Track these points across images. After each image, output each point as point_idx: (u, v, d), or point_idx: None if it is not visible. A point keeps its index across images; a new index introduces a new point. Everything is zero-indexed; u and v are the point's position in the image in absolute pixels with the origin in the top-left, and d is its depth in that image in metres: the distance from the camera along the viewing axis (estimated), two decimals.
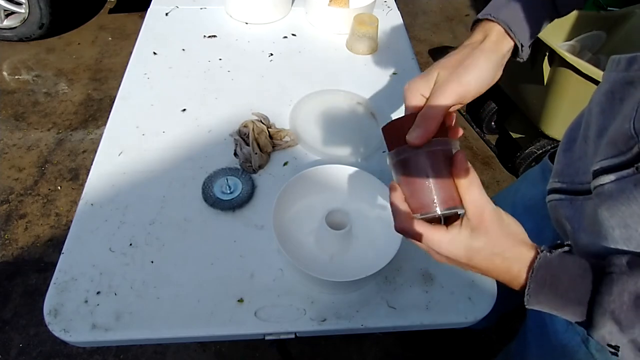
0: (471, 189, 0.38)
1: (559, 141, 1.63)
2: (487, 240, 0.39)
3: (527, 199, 0.74)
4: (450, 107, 0.42)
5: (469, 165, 0.39)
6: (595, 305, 0.34)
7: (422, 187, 0.41)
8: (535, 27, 0.47)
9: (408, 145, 0.41)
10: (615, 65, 0.43)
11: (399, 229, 0.42)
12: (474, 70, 0.43)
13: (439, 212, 0.40)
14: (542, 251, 0.38)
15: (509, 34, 0.45)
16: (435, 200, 0.40)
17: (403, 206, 0.42)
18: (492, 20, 0.46)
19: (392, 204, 0.43)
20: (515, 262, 0.39)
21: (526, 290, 0.39)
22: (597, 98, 0.45)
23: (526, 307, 0.40)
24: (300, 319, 0.62)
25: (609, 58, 0.44)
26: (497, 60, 0.44)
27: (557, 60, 1.45)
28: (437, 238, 0.40)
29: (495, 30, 0.46)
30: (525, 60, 0.50)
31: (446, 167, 0.41)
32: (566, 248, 0.39)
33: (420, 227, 0.41)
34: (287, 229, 0.69)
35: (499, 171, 1.94)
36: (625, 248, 0.37)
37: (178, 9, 1.15)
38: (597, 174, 0.38)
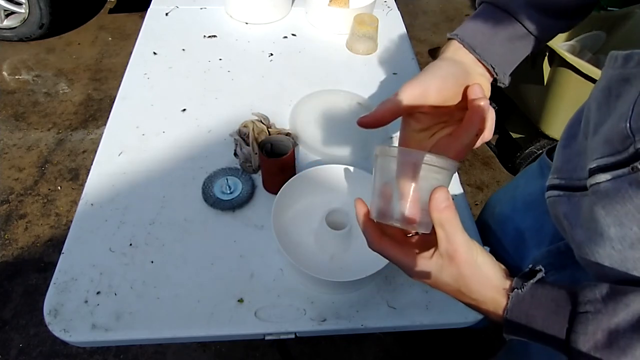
0: (447, 227, 0.37)
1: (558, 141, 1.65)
2: (456, 278, 0.39)
3: (527, 195, 0.74)
4: (405, 105, 0.43)
5: (450, 202, 0.38)
6: (572, 344, 0.35)
7: (392, 196, 0.41)
8: (496, 42, 0.49)
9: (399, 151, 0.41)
10: (612, 62, 0.43)
11: (372, 249, 0.44)
12: (432, 71, 0.45)
13: (399, 226, 0.41)
14: (513, 289, 0.38)
15: (464, 46, 0.48)
16: (399, 214, 0.40)
17: (369, 227, 0.44)
18: (451, 38, 0.50)
19: (359, 222, 0.45)
20: (483, 303, 0.40)
21: (503, 328, 0.39)
22: (595, 94, 0.45)
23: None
24: (300, 319, 0.62)
25: (608, 54, 0.44)
26: (459, 67, 0.46)
27: (557, 60, 1.45)
28: (406, 262, 0.41)
29: (451, 45, 0.49)
30: (506, 85, 0.51)
31: (426, 184, 0.40)
32: (539, 275, 0.38)
33: (390, 249, 0.42)
34: (287, 229, 0.69)
35: (499, 171, 1.94)
36: (619, 246, 0.37)
37: (178, 9, 1.15)
38: (593, 172, 0.39)
